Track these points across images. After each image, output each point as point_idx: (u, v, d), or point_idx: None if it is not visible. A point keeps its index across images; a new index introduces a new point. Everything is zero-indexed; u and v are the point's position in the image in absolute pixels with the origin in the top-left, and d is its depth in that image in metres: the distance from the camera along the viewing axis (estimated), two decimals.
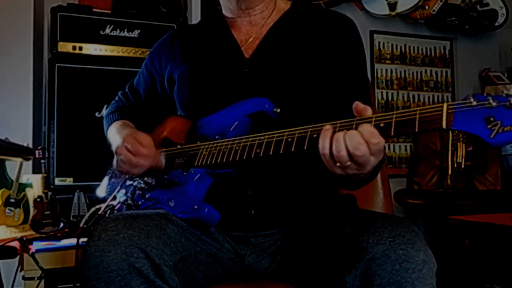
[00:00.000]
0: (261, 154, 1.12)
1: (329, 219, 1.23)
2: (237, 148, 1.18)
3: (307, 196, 1.35)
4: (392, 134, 0.95)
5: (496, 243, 3.06)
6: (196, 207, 1.21)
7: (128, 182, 1.47)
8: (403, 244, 0.99)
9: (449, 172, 4.30)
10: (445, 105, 0.87)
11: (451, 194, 4.16)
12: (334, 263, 1.07)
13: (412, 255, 0.98)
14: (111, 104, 1.71)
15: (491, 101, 0.83)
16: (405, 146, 4.79)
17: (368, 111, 1.00)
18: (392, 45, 4.87)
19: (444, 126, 0.86)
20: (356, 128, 0.97)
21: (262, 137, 1.14)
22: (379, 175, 1.72)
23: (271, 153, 1.10)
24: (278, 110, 1.23)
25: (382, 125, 0.96)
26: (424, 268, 0.99)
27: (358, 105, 1.01)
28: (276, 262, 1.32)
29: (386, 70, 4.84)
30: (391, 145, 4.69)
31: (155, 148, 1.38)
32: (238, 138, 1.20)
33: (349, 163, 0.98)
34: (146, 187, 1.40)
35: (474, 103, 0.85)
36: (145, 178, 1.41)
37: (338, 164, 0.99)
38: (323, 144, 1.00)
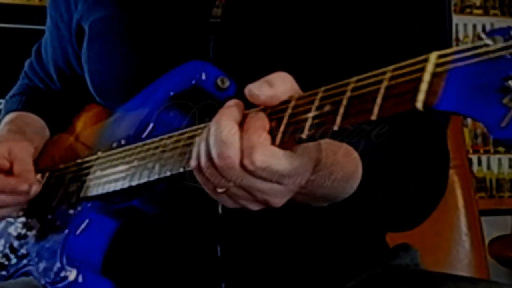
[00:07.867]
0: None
1: None
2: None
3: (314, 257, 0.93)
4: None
5: None
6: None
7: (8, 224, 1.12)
8: None
9: None
10: (432, 56, 0.46)
11: None
12: None
13: None
14: (18, 82, 1.38)
15: None
16: (510, 159, 3.89)
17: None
18: None
19: (418, 105, 0.46)
20: None
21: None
22: (461, 210, 1.22)
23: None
24: (227, 82, 0.82)
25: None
26: None
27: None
28: None
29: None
30: (483, 157, 3.74)
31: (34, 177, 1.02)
32: (135, 146, 0.84)
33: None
34: (26, 234, 1.04)
35: (491, 46, 0.41)
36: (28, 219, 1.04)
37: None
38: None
